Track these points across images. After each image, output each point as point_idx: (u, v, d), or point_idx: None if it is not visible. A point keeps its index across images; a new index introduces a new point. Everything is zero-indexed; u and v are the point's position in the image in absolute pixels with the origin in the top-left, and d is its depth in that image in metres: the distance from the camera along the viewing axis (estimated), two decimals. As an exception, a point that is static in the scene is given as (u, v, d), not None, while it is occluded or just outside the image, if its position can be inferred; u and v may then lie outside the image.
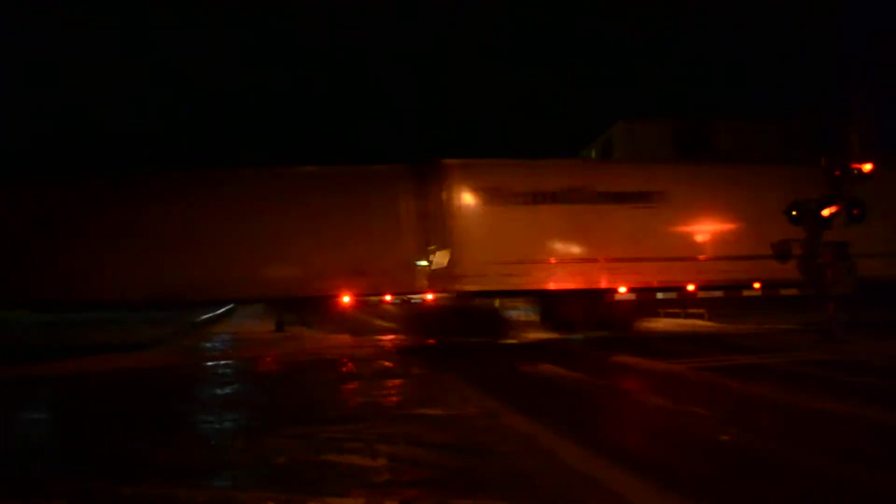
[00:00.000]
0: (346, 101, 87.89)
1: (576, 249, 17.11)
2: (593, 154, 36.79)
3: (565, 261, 16.97)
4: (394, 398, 8.98)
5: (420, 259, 17.07)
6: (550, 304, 18.29)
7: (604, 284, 17.24)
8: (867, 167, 14.84)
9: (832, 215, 14.88)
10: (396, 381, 10.45)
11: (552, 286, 17.08)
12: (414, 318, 19.45)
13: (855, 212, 14.90)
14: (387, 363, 12.85)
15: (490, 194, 16.63)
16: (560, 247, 17.08)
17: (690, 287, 17.76)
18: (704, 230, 17.75)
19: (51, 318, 20.87)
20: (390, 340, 18.44)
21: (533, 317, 20.49)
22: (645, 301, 18.58)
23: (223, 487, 5.19)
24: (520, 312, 22.09)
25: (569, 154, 39.33)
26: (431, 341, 17.31)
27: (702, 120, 32.91)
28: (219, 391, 10.48)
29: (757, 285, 17.59)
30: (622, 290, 17.51)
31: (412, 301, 21.06)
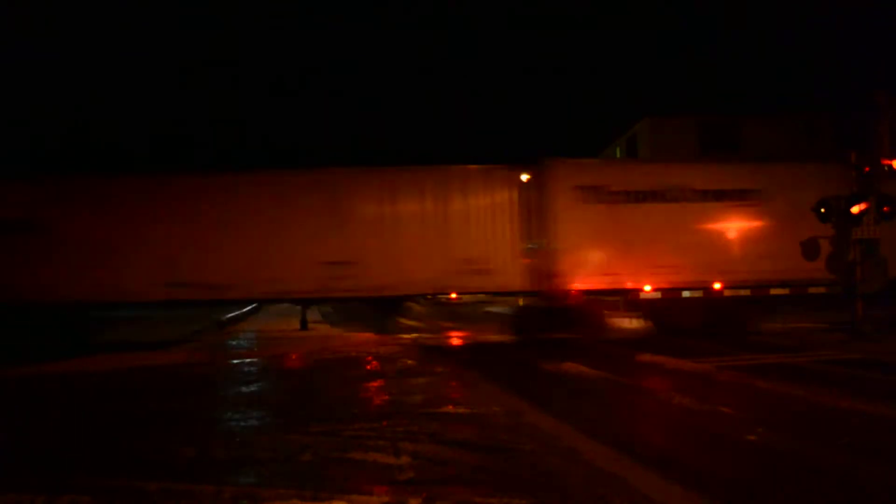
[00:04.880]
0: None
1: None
2: (618, 151, 36.71)
3: None
4: (417, 396, 8.99)
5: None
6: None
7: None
8: None
9: (862, 212, 14.66)
10: (420, 380, 10.46)
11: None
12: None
13: (885, 209, 14.67)
14: (410, 361, 12.87)
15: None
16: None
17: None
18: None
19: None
20: (413, 339, 18.46)
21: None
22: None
23: (248, 484, 5.22)
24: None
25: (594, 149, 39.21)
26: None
27: (728, 116, 32.72)
28: (243, 389, 10.57)
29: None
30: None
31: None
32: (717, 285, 16.95)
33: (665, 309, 17.47)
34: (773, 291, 17.53)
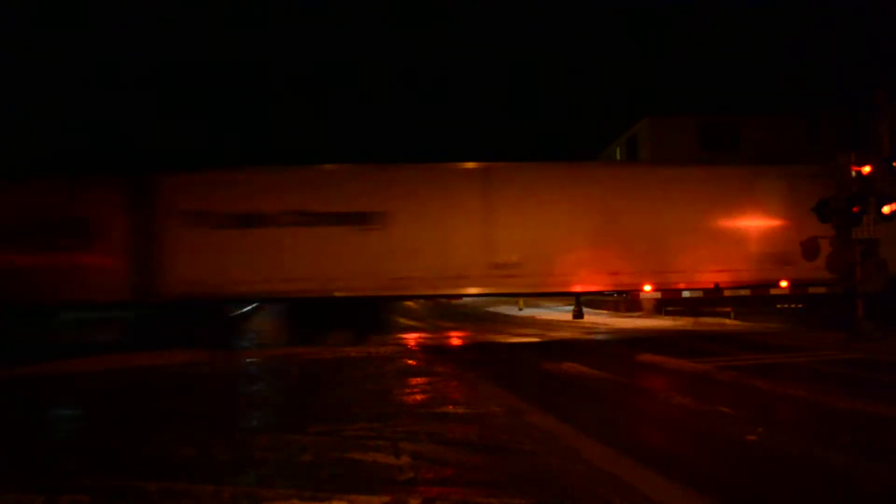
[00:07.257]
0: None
1: None
2: (618, 151, 36.69)
3: None
4: (417, 396, 8.98)
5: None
6: None
7: None
8: None
9: (861, 212, 14.65)
10: (420, 380, 10.45)
11: None
12: None
13: (885, 209, 14.66)
14: (410, 361, 12.86)
15: None
16: None
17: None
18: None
19: (77, 317, 21.14)
20: (413, 339, 18.47)
21: (563, 315, 20.34)
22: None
23: (247, 484, 5.21)
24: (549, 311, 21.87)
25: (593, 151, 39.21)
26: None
27: (728, 116, 32.68)
28: (243, 388, 10.57)
29: (784, 283, 17.39)
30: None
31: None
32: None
33: None
34: (774, 291, 17.55)
